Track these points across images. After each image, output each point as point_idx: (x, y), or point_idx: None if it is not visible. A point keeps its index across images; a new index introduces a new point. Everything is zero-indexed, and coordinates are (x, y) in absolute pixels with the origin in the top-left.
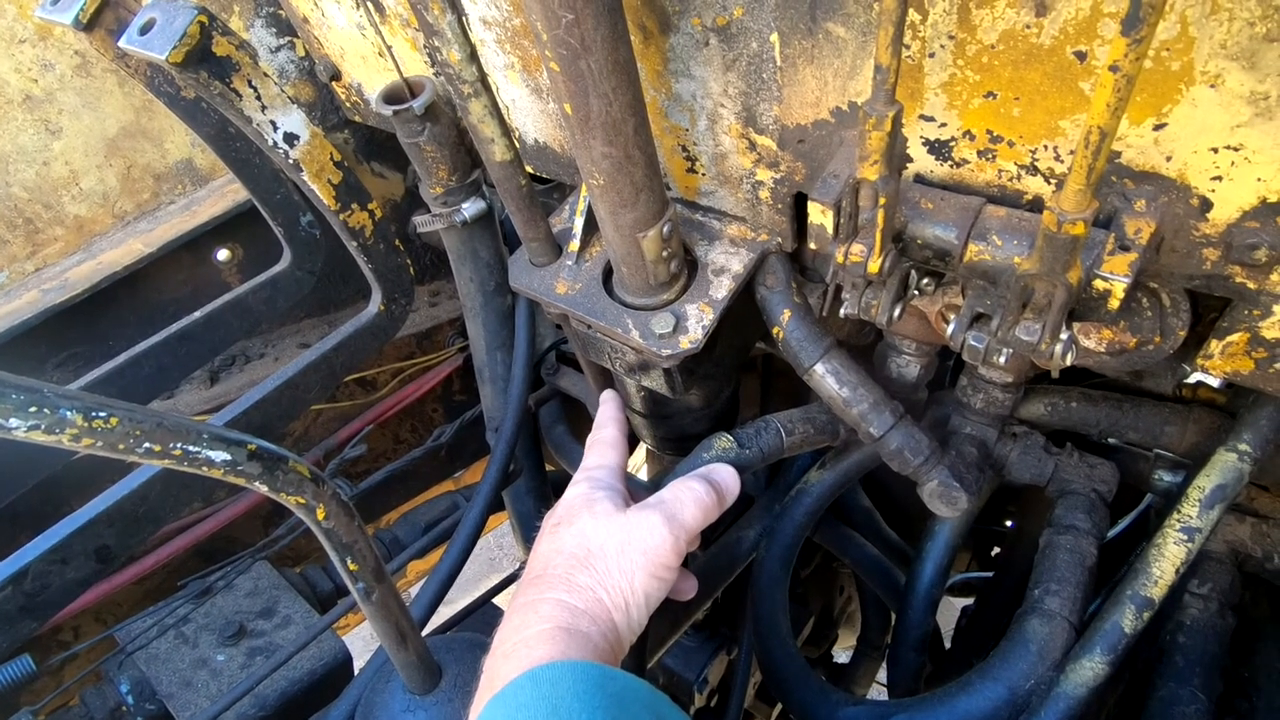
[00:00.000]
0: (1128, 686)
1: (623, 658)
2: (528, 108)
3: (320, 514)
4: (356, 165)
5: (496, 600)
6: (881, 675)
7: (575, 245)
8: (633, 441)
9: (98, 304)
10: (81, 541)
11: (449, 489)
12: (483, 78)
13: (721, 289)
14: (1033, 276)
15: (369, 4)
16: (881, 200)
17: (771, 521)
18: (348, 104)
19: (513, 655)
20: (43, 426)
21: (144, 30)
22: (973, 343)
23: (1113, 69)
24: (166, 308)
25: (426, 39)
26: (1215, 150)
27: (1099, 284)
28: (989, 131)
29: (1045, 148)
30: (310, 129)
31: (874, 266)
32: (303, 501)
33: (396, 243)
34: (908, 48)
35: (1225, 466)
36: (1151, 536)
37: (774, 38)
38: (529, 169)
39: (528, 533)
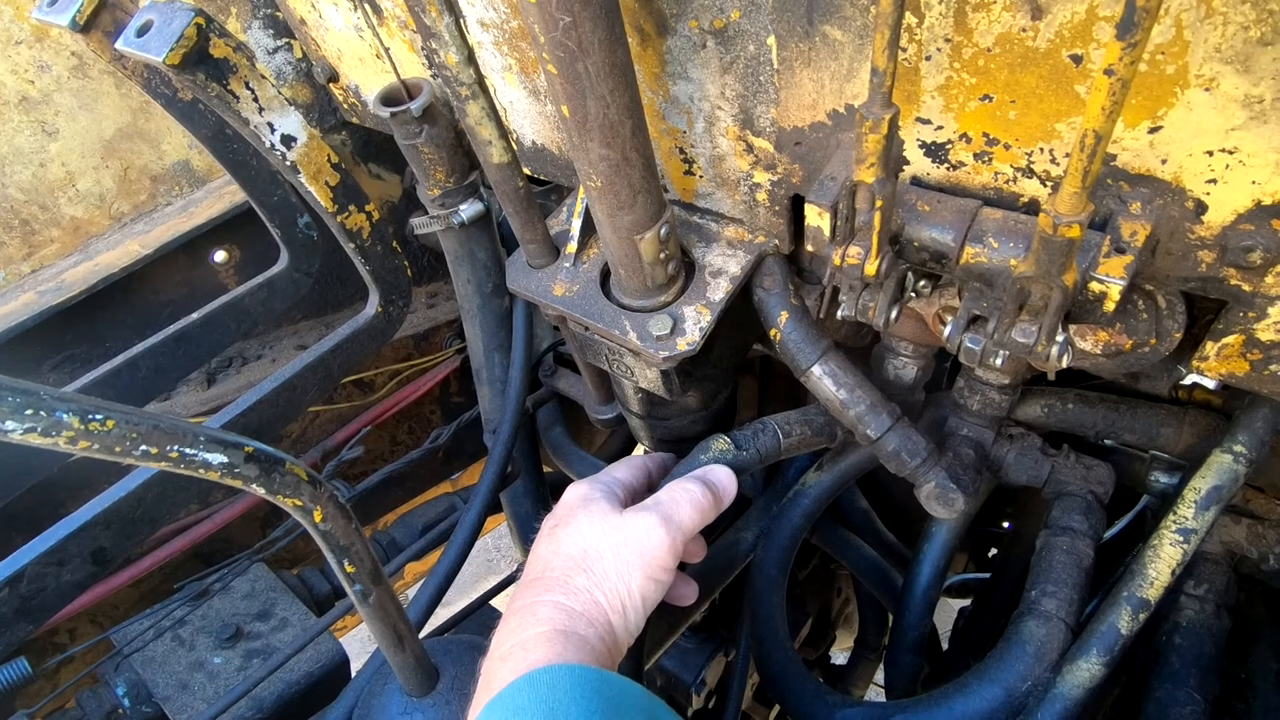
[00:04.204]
0: (1124, 688)
1: (620, 660)
2: (525, 110)
3: (317, 516)
4: (354, 167)
5: (494, 602)
6: (879, 677)
7: (573, 247)
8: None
9: (94, 306)
10: (78, 544)
11: (446, 491)
12: (480, 80)
13: (719, 291)
14: (1029, 279)
15: (366, 6)
16: (878, 203)
17: (769, 523)
18: (345, 106)
19: (510, 658)
20: (39, 429)
21: (141, 32)
22: (969, 345)
23: (1108, 72)
24: (163, 309)
25: (424, 41)
26: (1210, 153)
27: (1095, 286)
28: (985, 134)
29: (1041, 150)
30: (308, 131)
31: (871, 269)
32: (300, 504)
33: (394, 244)
34: (904, 51)
35: (1221, 468)
36: (1148, 538)
37: (771, 40)
38: (527, 171)
39: (525, 534)
